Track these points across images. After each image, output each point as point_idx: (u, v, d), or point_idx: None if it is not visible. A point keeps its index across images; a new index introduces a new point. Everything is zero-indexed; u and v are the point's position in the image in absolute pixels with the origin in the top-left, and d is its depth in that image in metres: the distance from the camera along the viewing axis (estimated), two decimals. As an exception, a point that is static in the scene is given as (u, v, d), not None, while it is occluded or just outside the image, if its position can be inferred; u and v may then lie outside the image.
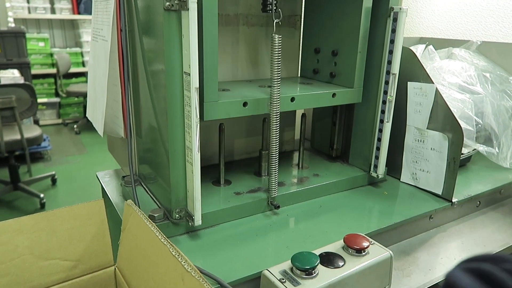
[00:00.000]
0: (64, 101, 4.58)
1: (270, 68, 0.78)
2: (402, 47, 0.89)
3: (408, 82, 0.96)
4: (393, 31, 0.87)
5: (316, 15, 1.03)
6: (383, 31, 0.90)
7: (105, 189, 1.00)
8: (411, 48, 0.99)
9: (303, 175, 1.00)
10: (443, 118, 0.91)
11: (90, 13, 0.93)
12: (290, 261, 0.63)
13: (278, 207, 0.86)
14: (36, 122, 3.43)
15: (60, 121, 4.64)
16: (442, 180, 0.93)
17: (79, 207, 0.69)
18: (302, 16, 1.08)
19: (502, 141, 1.11)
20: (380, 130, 0.94)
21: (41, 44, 4.25)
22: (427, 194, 0.97)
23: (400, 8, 0.86)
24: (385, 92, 0.92)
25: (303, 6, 1.07)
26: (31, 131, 2.64)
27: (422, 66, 0.94)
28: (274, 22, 0.81)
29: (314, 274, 0.61)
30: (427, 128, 0.95)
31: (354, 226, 0.82)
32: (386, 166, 0.98)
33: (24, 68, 3.43)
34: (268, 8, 0.84)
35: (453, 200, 0.93)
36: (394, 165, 1.03)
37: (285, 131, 1.16)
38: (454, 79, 1.12)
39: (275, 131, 0.81)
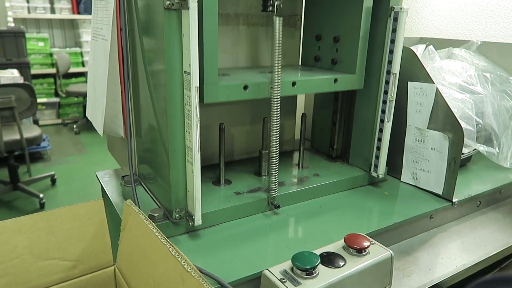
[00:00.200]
0: (64, 101, 4.58)
1: (271, 51, 0.77)
2: (403, 47, 0.89)
3: (409, 82, 0.96)
4: (394, 31, 0.87)
5: (318, 2, 1.02)
6: (383, 31, 0.89)
7: (104, 189, 0.99)
8: (412, 48, 0.98)
9: (303, 175, 0.99)
10: (443, 118, 0.91)
11: (90, 13, 0.93)
12: (290, 261, 0.62)
13: (278, 207, 0.86)
14: (35, 122, 3.43)
15: (59, 121, 4.64)
16: (443, 180, 0.93)
17: (78, 207, 0.69)
18: (303, 4, 1.06)
19: (502, 141, 1.11)
20: (381, 130, 0.94)
21: (41, 44, 4.25)
22: (427, 194, 0.97)
23: (401, 8, 0.85)
24: (386, 92, 0.91)
25: (303, 5, 1.07)
26: (31, 131, 2.63)
27: (423, 66, 0.94)
28: (276, 5, 0.79)
29: (315, 274, 0.61)
30: (427, 128, 0.95)
31: (355, 226, 0.82)
32: (386, 166, 0.98)
33: (23, 68, 3.43)
34: (268, 8, 0.84)
35: (453, 200, 0.92)
36: (395, 165, 1.03)
37: (285, 131, 1.15)
38: (454, 79, 1.12)
39: (276, 130, 0.81)
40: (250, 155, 1.10)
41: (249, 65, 1.03)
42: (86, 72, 3.94)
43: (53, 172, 3.03)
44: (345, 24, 0.94)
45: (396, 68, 0.89)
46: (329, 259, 0.65)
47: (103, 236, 0.70)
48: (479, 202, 1.03)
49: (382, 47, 0.90)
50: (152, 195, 0.86)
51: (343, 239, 0.69)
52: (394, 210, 0.89)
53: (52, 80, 4.42)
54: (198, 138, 0.68)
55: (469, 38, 1.44)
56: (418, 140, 0.97)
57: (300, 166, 1.04)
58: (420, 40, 1.54)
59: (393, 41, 0.88)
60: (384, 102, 0.92)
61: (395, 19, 0.87)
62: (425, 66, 0.94)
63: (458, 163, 0.90)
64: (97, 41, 0.88)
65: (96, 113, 0.91)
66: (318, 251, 0.66)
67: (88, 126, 4.33)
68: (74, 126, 4.36)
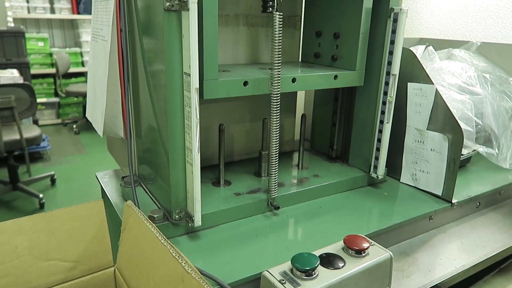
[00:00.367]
0: (64, 101, 4.58)
1: (271, 47, 0.77)
2: (402, 48, 0.89)
3: (408, 83, 0.96)
4: (393, 31, 0.87)
5: None
6: (383, 32, 0.90)
7: (104, 189, 0.99)
8: (411, 49, 0.98)
9: (303, 175, 0.99)
10: (443, 119, 0.91)
11: (90, 13, 0.93)
12: (290, 262, 0.62)
13: (278, 207, 0.86)
14: (35, 122, 3.43)
15: (59, 121, 4.64)
16: (442, 181, 0.93)
17: (78, 208, 0.69)
18: (303, 3, 1.06)
19: (501, 142, 1.11)
20: (380, 131, 0.94)
21: (41, 44, 4.25)
22: (427, 195, 0.97)
23: (401, 9, 0.86)
24: (385, 93, 0.92)
25: (303, 6, 1.07)
26: (30, 131, 2.63)
27: (422, 67, 0.94)
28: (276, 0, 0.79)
29: (314, 275, 0.61)
30: (427, 129, 0.95)
31: (354, 227, 0.82)
32: (386, 167, 0.98)
33: (23, 68, 3.43)
34: (268, 9, 0.84)
35: (453, 201, 0.93)
36: (394, 166, 1.03)
37: (285, 131, 1.16)
38: (454, 80, 1.12)
39: (275, 130, 0.81)
40: (250, 156, 1.10)
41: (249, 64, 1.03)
42: (86, 72, 3.95)
43: (52, 172, 3.03)
44: (345, 20, 0.94)
45: (395, 69, 0.89)
46: (328, 260, 0.65)
47: (103, 237, 0.70)
48: (478, 203, 1.03)
49: (382, 48, 0.90)
50: (152, 196, 0.86)
51: (342, 240, 0.69)
52: (394, 211, 0.89)
53: (51, 80, 4.42)
54: (198, 139, 0.68)
55: (469, 39, 1.44)
56: (418, 141, 0.97)
57: (300, 167, 1.04)
58: (419, 41, 1.54)
59: (392, 42, 0.88)
60: (384, 103, 0.92)
61: (395, 20, 0.87)
62: (425, 67, 0.94)
63: (457, 164, 0.90)
64: (97, 42, 0.88)
65: (96, 114, 0.92)
66: (317, 252, 0.66)
67: (87, 126, 4.33)
68: (74, 126, 4.36)
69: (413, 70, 0.95)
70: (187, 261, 0.51)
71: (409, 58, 0.95)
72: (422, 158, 0.97)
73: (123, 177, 0.92)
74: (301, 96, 1.29)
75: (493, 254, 0.88)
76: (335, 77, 0.90)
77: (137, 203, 0.80)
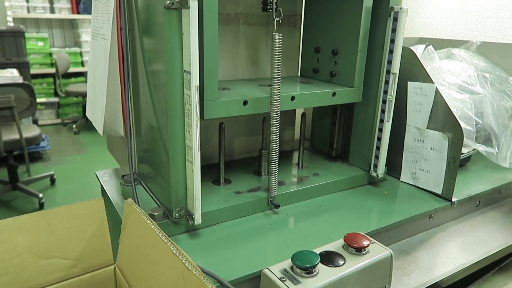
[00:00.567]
0: (63, 101, 4.58)
1: (271, 67, 0.78)
2: (402, 47, 0.89)
3: (408, 82, 0.96)
4: (394, 30, 0.88)
5: (317, 14, 1.03)
6: (383, 31, 0.90)
7: (104, 188, 0.99)
8: (411, 48, 0.99)
9: (303, 174, 1.00)
10: (443, 118, 0.92)
11: (90, 13, 0.94)
12: (290, 260, 0.63)
13: (278, 206, 0.86)
14: (35, 122, 3.42)
15: (59, 121, 4.64)
16: (442, 180, 0.93)
17: (78, 206, 0.69)
18: (303, 16, 1.08)
19: (501, 141, 1.12)
20: (380, 130, 0.94)
21: (40, 43, 4.25)
22: (426, 193, 0.97)
23: (401, 8, 0.86)
24: (385, 92, 0.92)
25: (303, 5, 1.07)
26: (30, 131, 2.63)
27: (422, 66, 0.94)
28: (275, 20, 0.80)
29: (315, 273, 0.61)
30: (427, 128, 0.95)
31: (354, 226, 0.82)
32: (386, 165, 0.98)
33: (23, 67, 3.43)
34: (268, 7, 0.84)
35: (452, 200, 0.93)
36: (394, 165, 1.03)
37: (285, 130, 1.16)
38: (454, 79, 1.12)
39: (275, 131, 0.81)
40: (250, 155, 1.11)
41: (249, 64, 1.03)
42: (86, 72, 3.94)
43: (52, 172, 3.03)
44: (343, 38, 0.95)
45: (395, 68, 0.89)
46: (328, 258, 0.65)
47: (103, 235, 0.70)
48: (478, 202, 1.03)
49: (382, 47, 0.91)
50: (152, 194, 0.86)
51: (342, 238, 0.69)
52: (394, 209, 0.89)
53: (51, 80, 4.41)
54: (198, 137, 0.69)
55: (469, 39, 1.44)
56: (418, 140, 0.97)
57: (300, 165, 1.04)
58: (419, 40, 1.54)
59: (392, 41, 0.88)
60: (384, 101, 0.92)
61: (395, 19, 0.87)
62: (425, 66, 0.94)
63: (457, 163, 0.90)
64: (97, 41, 0.88)
65: (96, 113, 0.92)
66: (317, 250, 0.66)
67: (87, 126, 4.33)
68: (74, 126, 4.36)
69: (413, 69, 0.96)
70: (187, 258, 0.51)
71: (409, 57, 0.95)
72: (422, 157, 0.97)
73: (123, 176, 0.92)
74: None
75: (493, 252, 0.88)
76: (334, 94, 0.91)
77: (137, 201, 0.80)
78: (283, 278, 0.60)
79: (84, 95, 4.17)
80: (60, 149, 3.80)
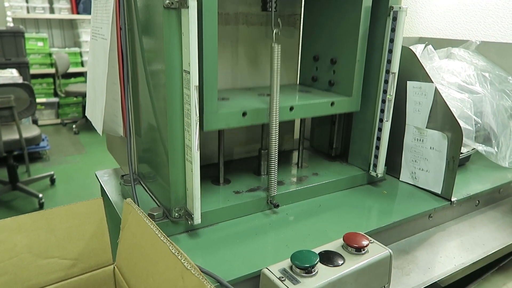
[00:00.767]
0: (63, 101, 4.58)
1: (270, 78, 0.78)
2: (402, 46, 0.89)
3: (408, 81, 0.96)
4: (393, 30, 0.88)
5: (315, 23, 1.03)
6: (382, 30, 0.90)
7: (104, 188, 0.99)
8: (411, 47, 0.99)
9: (303, 174, 0.99)
10: (442, 117, 0.92)
11: (89, 13, 0.93)
12: (289, 259, 0.62)
13: (278, 206, 0.86)
14: (34, 122, 3.42)
15: (58, 121, 4.64)
16: (441, 179, 0.93)
17: (77, 206, 0.69)
18: (301, 25, 1.08)
19: (501, 141, 1.12)
20: (380, 129, 0.94)
21: (40, 44, 4.25)
22: (426, 193, 0.97)
23: (400, 7, 0.86)
24: (385, 91, 0.92)
25: (302, 6, 1.07)
26: (30, 131, 2.63)
27: (422, 65, 0.94)
28: (274, 32, 0.80)
29: (314, 273, 0.61)
30: (426, 127, 0.95)
31: (354, 225, 0.82)
32: (385, 165, 0.98)
33: (22, 67, 3.43)
34: (268, 6, 0.84)
35: (452, 199, 0.93)
36: (394, 164, 1.03)
37: (284, 130, 1.16)
38: (453, 78, 1.12)
39: (274, 140, 0.81)
40: (250, 154, 1.10)
41: (249, 64, 1.03)
42: (85, 72, 3.94)
43: (52, 172, 3.03)
44: (342, 47, 0.96)
45: (395, 67, 0.89)
46: (328, 258, 0.65)
47: (102, 235, 0.70)
48: (478, 201, 1.03)
49: (381, 46, 0.91)
50: (151, 194, 0.86)
51: (342, 238, 0.69)
52: (393, 209, 0.89)
53: (51, 80, 4.41)
54: (198, 137, 0.69)
55: (468, 38, 1.44)
56: (417, 139, 0.97)
57: (299, 165, 1.04)
58: (419, 40, 1.54)
59: (392, 41, 0.88)
60: (383, 101, 0.92)
61: (394, 19, 0.87)
62: (424, 66, 0.94)
63: (457, 162, 0.90)
64: (96, 40, 0.88)
65: (95, 112, 0.92)
66: (317, 250, 0.66)
67: (87, 126, 4.33)
68: (73, 126, 4.36)
69: (413, 69, 0.96)
70: (186, 258, 0.51)
71: (408, 57, 0.95)
72: (422, 156, 0.97)
73: (122, 176, 0.92)
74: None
75: (492, 252, 0.88)
76: (332, 103, 0.91)
77: (136, 201, 0.80)
78: (282, 277, 0.60)
79: (84, 95, 4.17)
80: (60, 149, 3.80)
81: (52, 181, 3.03)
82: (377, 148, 0.96)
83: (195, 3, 0.62)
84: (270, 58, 0.78)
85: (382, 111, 0.93)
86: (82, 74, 4.65)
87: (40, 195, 2.68)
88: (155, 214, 0.75)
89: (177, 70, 0.68)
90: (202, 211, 0.74)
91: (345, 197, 0.95)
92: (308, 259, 0.61)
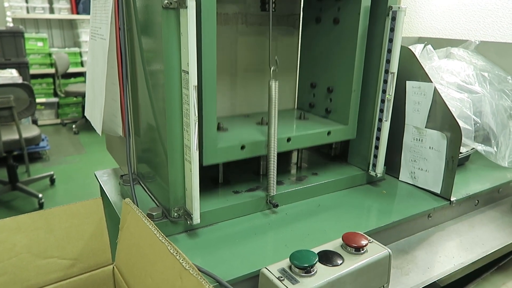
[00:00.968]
0: (63, 101, 4.58)
1: (268, 113, 0.79)
2: (401, 46, 0.89)
3: (407, 81, 0.96)
4: (392, 30, 0.88)
5: (312, 50, 1.05)
6: (381, 30, 0.90)
7: (103, 188, 0.99)
8: (410, 47, 0.99)
9: (302, 174, 0.99)
10: (441, 117, 0.92)
11: (89, 13, 0.93)
12: (288, 259, 0.63)
13: (277, 205, 0.86)
14: (34, 122, 3.42)
15: (58, 121, 4.64)
16: (441, 179, 0.93)
17: (77, 206, 0.69)
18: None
19: (500, 140, 1.12)
20: (379, 129, 0.94)
21: (40, 44, 4.25)
22: (425, 193, 0.97)
23: (399, 7, 0.86)
24: (384, 91, 0.92)
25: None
26: (30, 131, 2.63)
27: (421, 65, 0.94)
28: (271, 70, 0.81)
29: (313, 272, 0.61)
30: (425, 127, 0.95)
31: (353, 225, 0.82)
32: (384, 165, 0.98)
33: (22, 68, 3.43)
34: (266, 7, 0.84)
35: (451, 199, 0.93)
36: (393, 164, 1.03)
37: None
38: (452, 78, 1.12)
39: (273, 170, 0.82)
40: (249, 155, 1.10)
41: (249, 64, 1.03)
42: (85, 72, 3.93)
43: (52, 172, 3.03)
44: (338, 76, 0.97)
45: (394, 67, 0.89)
46: (327, 258, 0.65)
47: (101, 235, 0.70)
48: (477, 201, 1.03)
49: (380, 46, 0.91)
50: (150, 194, 0.86)
51: (341, 238, 0.69)
52: (393, 209, 0.90)
53: (51, 80, 4.41)
54: (197, 137, 0.69)
55: (468, 38, 1.44)
56: (416, 139, 0.97)
57: (299, 165, 1.04)
58: (418, 40, 1.54)
59: (391, 40, 0.88)
60: (382, 101, 0.92)
61: (393, 18, 0.87)
62: (424, 66, 0.94)
63: (456, 162, 0.90)
64: (95, 41, 0.88)
65: (94, 113, 0.92)
66: (316, 250, 0.66)
67: (87, 126, 4.32)
68: (73, 126, 4.36)
69: (412, 69, 0.96)
70: (184, 258, 0.51)
71: (407, 57, 0.95)
72: (421, 156, 0.97)
73: (122, 176, 0.92)
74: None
75: (492, 251, 0.88)
76: (328, 133, 0.93)
77: (135, 201, 0.80)
78: (281, 277, 0.60)
79: (83, 95, 4.17)
80: (59, 149, 3.80)
81: (52, 181, 3.03)
82: (377, 148, 0.96)
83: (194, 3, 0.63)
84: (268, 95, 0.79)
85: (381, 111, 0.93)
86: (82, 74, 4.65)
87: (40, 195, 2.68)
88: (154, 214, 0.75)
89: (176, 70, 0.68)
90: (201, 211, 0.74)
91: (345, 197, 0.95)
92: (307, 259, 0.61)
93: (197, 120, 0.68)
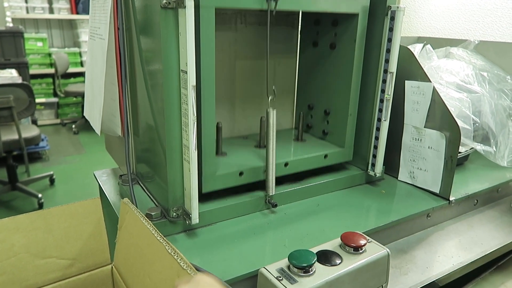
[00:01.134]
0: (62, 101, 4.57)
1: (266, 141, 0.80)
2: (400, 45, 0.89)
3: (406, 81, 0.96)
4: (391, 29, 0.88)
5: (309, 73, 1.05)
6: (380, 30, 0.90)
7: (102, 188, 0.99)
8: (409, 47, 0.99)
9: (301, 173, 0.99)
10: (440, 116, 0.92)
11: (88, 13, 0.93)
12: (287, 259, 0.63)
13: (276, 205, 0.86)
14: (34, 122, 3.42)
15: (58, 121, 4.63)
16: (440, 179, 0.93)
17: (75, 206, 0.69)
18: (298, 67, 1.10)
19: (499, 140, 1.12)
20: (378, 129, 0.94)
21: (39, 44, 4.24)
22: (424, 192, 0.97)
23: (398, 7, 0.86)
24: (383, 91, 0.92)
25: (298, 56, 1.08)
26: (29, 131, 2.63)
27: (420, 65, 0.94)
28: (269, 99, 0.81)
29: (311, 272, 0.61)
30: (424, 127, 0.95)
31: (352, 225, 0.82)
32: (383, 164, 0.98)
33: (22, 68, 3.42)
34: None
35: (450, 199, 0.93)
36: (392, 164, 1.03)
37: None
38: (451, 78, 1.12)
39: (271, 168, 0.83)
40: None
41: (248, 65, 1.03)
42: (85, 72, 3.93)
43: (51, 172, 3.03)
44: (335, 100, 0.98)
45: (393, 67, 0.89)
46: (325, 257, 0.65)
47: (100, 235, 0.70)
48: (476, 201, 1.03)
49: (379, 45, 0.91)
50: (149, 194, 0.86)
51: (340, 237, 0.69)
52: (392, 208, 0.90)
53: (50, 80, 4.41)
54: (195, 137, 0.69)
55: (467, 37, 1.44)
56: (415, 139, 0.97)
57: (298, 165, 1.04)
58: (417, 39, 1.54)
59: (390, 40, 0.88)
60: (381, 101, 0.92)
61: (392, 18, 0.87)
62: (423, 65, 0.94)
63: (455, 161, 0.90)
64: (94, 41, 0.88)
65: (93, 112, 0.92)
66: (314, 249, 0.66)
67: (86, 126, 4.32)
68: (73, 126, 4.36)
69: (411, 68, 0.96)
70: (182, 257, 0.51)
71: (406, 56, 0.95)
72: (420, 156, 0.97)
73: (121, 175, 0.92)
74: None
75: (491, 251, 0.88)
76: (325, 156, 0.94)
77: (134, 201, 0.80)
78: (280, 277, 0.60)
79: (83, 95, 4.16)
80: (59, 149, 3.80)
81: (52, 181, 3.03)
82: (375, 147, 0.96)
83: (192, 2, 0.63)
84: (266, 124, 0.80)
85: (380, 110, 0.93)
86: (82, 74, 4.65)
87: (40, 195, 2.68)
88: (153, 214, 0.75)
89: (175, 70, 0.68)
90: (200, 211, 0.74)
91: (344, 196, 0.95)
92: (306, 259, 0.61)
93: (195, 120, 0.68)
